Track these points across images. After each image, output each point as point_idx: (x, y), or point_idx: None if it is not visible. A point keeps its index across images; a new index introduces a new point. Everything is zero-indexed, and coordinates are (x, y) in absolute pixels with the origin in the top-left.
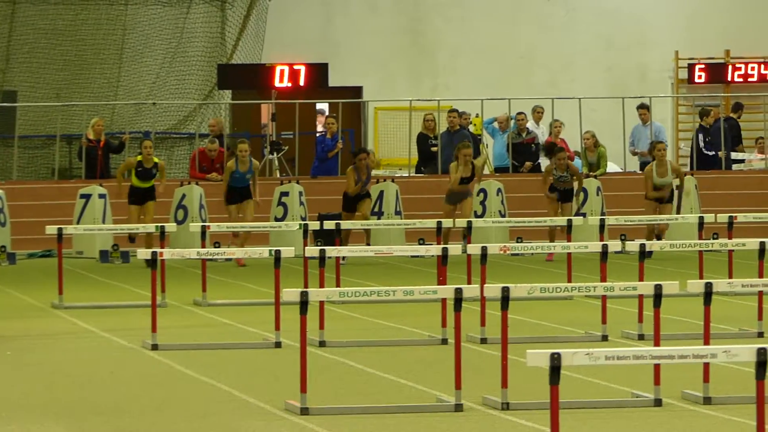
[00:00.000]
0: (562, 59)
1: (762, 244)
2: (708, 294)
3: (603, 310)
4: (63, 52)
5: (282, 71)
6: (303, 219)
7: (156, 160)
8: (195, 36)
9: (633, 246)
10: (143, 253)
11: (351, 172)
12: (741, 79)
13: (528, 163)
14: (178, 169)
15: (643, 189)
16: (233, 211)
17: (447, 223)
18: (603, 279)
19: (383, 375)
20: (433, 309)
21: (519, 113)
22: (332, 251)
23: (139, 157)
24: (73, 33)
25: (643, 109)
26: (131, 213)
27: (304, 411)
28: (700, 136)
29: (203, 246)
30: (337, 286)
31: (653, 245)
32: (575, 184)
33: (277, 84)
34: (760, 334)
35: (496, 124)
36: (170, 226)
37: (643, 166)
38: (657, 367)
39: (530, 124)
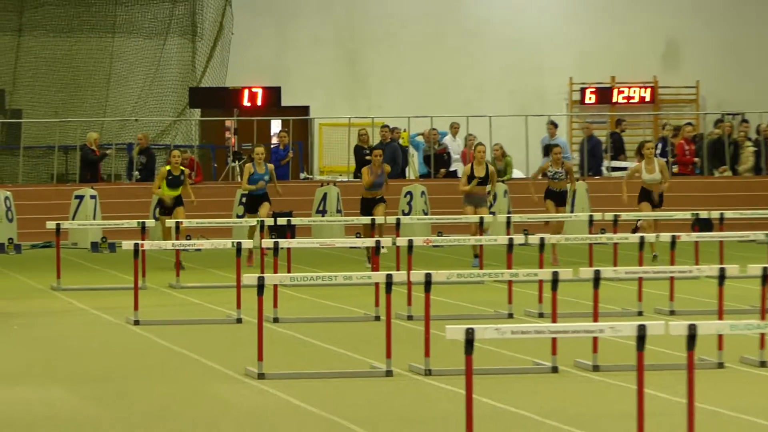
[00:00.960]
0: (474, 83)
1: (642, 238)
2: (597, 279)
3: (509, 293)
4: (60, 76)
5: (242, 93)
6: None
7: (183, 168)
8: (170, 63)
9: (534, 239)
10: (127, 245)
11: (366, 170)
12: (624, 100)
13: (442, 170)
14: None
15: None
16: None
17: (471, 219)
18: (509, 267)
19: (327, 346)
20: (368, 291)
21: (432, 129)
22: (284, 243)
23: (168, 167)
24: (69, 60)
25: (552, 125)
26: (161, 222)
27: (261, 376)
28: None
29: (177, 239)
30: (288, 272)
31: (551, 239)
32: (569, 185)
33: (238, 104)
34: (640, 313)
35: (420, 138)
36: (149, 222)
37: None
38: (554, 340)
39: (448, 138)
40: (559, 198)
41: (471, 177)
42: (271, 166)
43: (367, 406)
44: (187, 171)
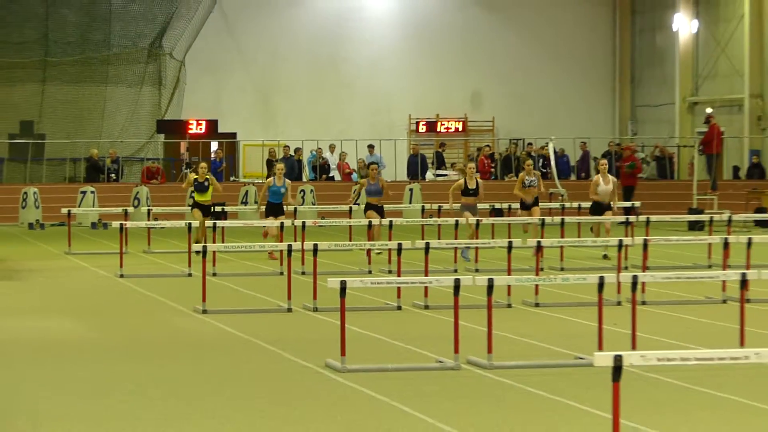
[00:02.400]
0: (347, 118)
1: (456, 221)
2: (427, 248)
3: (368, 258)
4: (71, 111)
5: (191, 124)
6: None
7: (207, 176)
8: (144, 104)
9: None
10: (115, 224)
11: (364, 182)
12: (445, 130)
13: (324, 176)
14: (136, 177)
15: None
16: (269, 222)
17: (467, 227)
18: (369, 239)
19: (249, 292)
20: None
21: (318, 149)
22: (220, 223)
23: (195, 175)
24: (76, 101)
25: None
26: (194, 214)
27: (204, 311)
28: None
29: (148, 220)
30: (222, 242)
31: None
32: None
33: (190, 131)
34: (455, 270)
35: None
36: (130, 209)
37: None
38: (399, 288)
39: (327, 154)
40: (533, 202)
41: (465, 189)
42: (288, 181)
43: (275, 331)
44: (211, 178)
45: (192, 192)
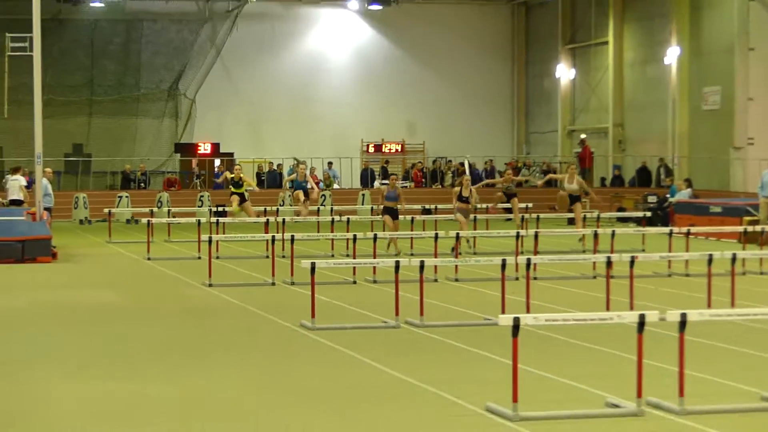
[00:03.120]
0: (315, 140)
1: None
2: (375, 238)
3: (332, 245)
4: (110, 136)
5: (199, 146)
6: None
7: (242, 175)
8: (165, 131)
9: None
10: (143, 221)
11: (383, 188)
12: (388, 151)
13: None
14: (159, 185)
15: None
16: (300, 203)
17: (463, 227)
18: (332, 231)
19: (245, 271)
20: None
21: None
22: (222, 220)
23: (232, 174)
24: (114, 129)
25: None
26: (233, 199)
27: (210, 285)
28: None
29: (168, 217)
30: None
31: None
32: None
33: (199, 151)
34: (398, 254)
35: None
36: (155, 209)
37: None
38: (354, 268)
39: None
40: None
41: (460, 197)
42: (309, 177)
43: (263, 300)
44: (244, 176)
45: (231, 187)
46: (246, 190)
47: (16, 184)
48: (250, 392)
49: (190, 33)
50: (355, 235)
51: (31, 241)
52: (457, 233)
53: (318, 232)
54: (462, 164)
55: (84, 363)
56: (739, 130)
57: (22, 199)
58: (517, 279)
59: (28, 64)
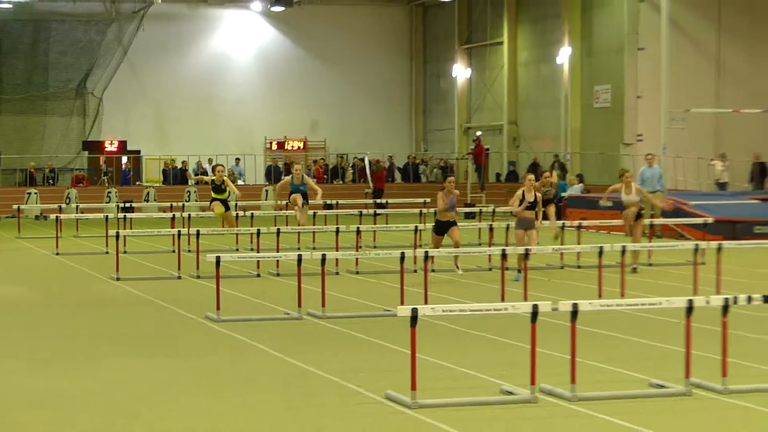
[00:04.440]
0: (221, 138)
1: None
2: (278, 232)
3: (296, 238)
4: (20, 134)
5: (108, 143)
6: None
7: (225, 178)
8: (73, 128)
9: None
10: (53, 216)
11: (440, 195)
12: (291, 148)
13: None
14: (67, 182)
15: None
16: (298, 208)
17: (519, 248)
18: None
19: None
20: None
21: (199, 161)
22: (129, 215)
23: (214, 177)
24: (24, 126)
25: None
26: (214, 206)
27: (118, 278)
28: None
29: (77, 213)
30: (131, 228)
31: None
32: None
33: (107, 148)
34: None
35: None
36: (63, 205)
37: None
38: (258, 262)
39: (206, 165)
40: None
41: (522, 200)
42: (308, 178)
43: (169, 293)
44: (227, 180)
45: (212, 192)
46: (229, 196)
47: None
48: (158, 382)
49: (97, 33)
50: (258, 230)
51: None
52: (357, 228)
53: (222, 227)
54: (362, 160)
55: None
56: (628, 127)
57: None
58: (415, 272)
59: None
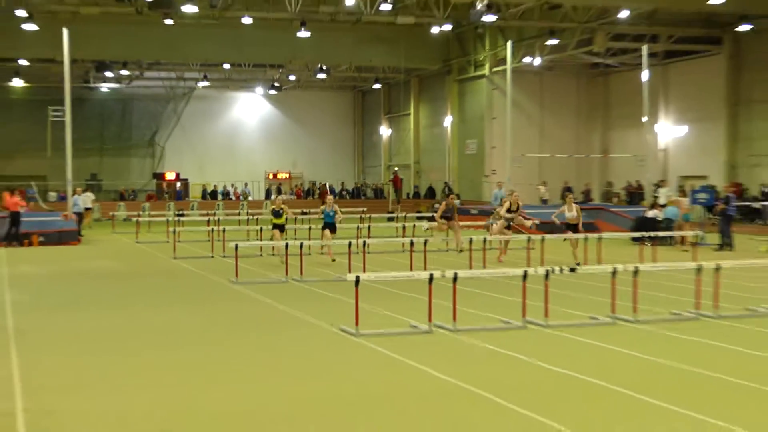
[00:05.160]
0: (237, 171)
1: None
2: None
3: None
4: (114, 169)
5: (168, 174)
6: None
7: (282, 206)
8: (146, 165)
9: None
10: (134, 219)
11: (443, 205)
12: (282, 177)
13: (228, 198)
14: (143, 198)
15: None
16: (324, 233)
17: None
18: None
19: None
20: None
21: (225, 186)
22: (183, 219)
23: (274, 205)
24: (116, 164)
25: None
26: (273, 233)
27: (175, 258)
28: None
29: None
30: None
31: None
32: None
33: (167, 177)
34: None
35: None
36: (141, 213)
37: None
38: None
39: (230, 188)
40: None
41: (509, 209)
42: (336, 207)
43: (203, 267)
44: (285, 207)
45: (272, 217)
46: (285, 220)
47: (78, 199)
48: (198, 320)
49: (161, 107)
50: (261, 227)
51: (65, 232)
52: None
53: (239, 225)
54: (325, 184)
55: (100, 303)
56: (486, 165)
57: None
58: (357, 253)
59: (62, 125)
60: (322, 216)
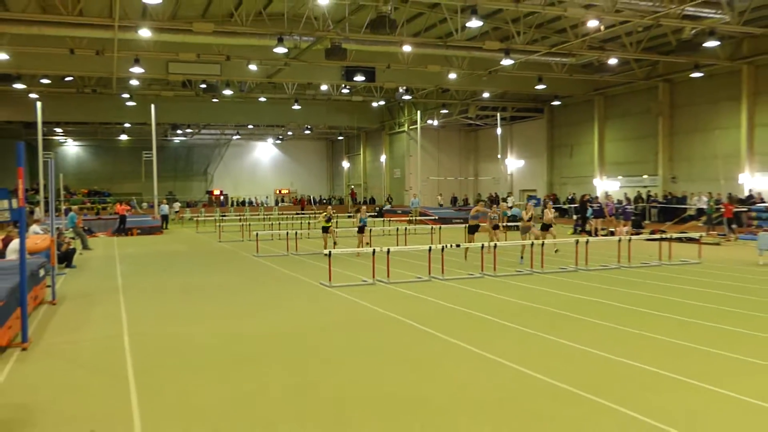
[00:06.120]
0: (257, 189)
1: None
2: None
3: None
4: (184, 190)
5: (216, 191)
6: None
7: (331, 214)
8: (202, 187)
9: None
10: (195, 219)
11: (476, 209)
12: (284, 192)
13: (249, 205)
14: (200, 206)
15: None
16: (361, 235)
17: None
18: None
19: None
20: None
21: (249, 197)
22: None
23: (326, 213)
24: (185, 187)
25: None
26: (324, 236)
27: (220, 241)
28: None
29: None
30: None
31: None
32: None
33: (215, 193)
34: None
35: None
36: (199, 215)
37: None
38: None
39: (251, 198)
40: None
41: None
42: (366, 214)
43: (245, 248)
44: (333, 215)
45: (324, 221)
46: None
47: (165, 208)
48: (236, 280)
49: (210, 150)
50: (271, 223)
51: (153, 227)
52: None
53: (259, 221)
54: (310, 197)
55: (177, 271)
56: (406, 184)
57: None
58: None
59: (150, 162)
60: (359, 222)
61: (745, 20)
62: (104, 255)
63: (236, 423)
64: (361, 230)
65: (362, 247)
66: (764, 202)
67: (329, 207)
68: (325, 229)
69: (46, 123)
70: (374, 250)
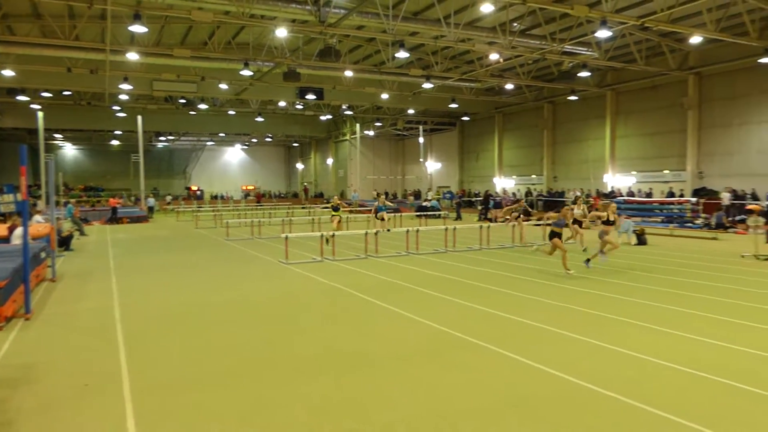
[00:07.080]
0: (228, 186)
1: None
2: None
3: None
4: (164, 186)
5: (194, 187)
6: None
7: (339, 202)
8: (181, 184)
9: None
10: (176, 210)
11: (568, 211)
12: (249, 188)
13: (226, 198)
14: (181, 200)
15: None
16: (379, 219)
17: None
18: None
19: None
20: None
21: (228, 192)
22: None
23: (333, 202)
24: (164, 184)
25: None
26: (333, 219)
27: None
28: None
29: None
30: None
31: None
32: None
33: (192, 189)
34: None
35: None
36: (179, 206)
37: None
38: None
39: (231, 194)
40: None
41: (606, 221)
42: (388, 203)
43: (215, 231)
44: (341, 203)
45: (332, 210)
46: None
47: (152, 200)
48: (208, 258)
49: (189, 154)
50: (239, 213)
51: (141, 216)
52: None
53: (229, 212)
54: (269, 191)
55: (157, 251)
56: (348, 182)
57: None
58: (288, 224)
59: (137, 164)
60: (376, 209)
61: (609, 56)
62: (98, 240)
63: (208, 371)
64: (381, 216)
65: (381, 229)
66: (623, 196)
67: (335, 197)
68: (338, 218)
69: (47, 130)
70: (322, 234)
